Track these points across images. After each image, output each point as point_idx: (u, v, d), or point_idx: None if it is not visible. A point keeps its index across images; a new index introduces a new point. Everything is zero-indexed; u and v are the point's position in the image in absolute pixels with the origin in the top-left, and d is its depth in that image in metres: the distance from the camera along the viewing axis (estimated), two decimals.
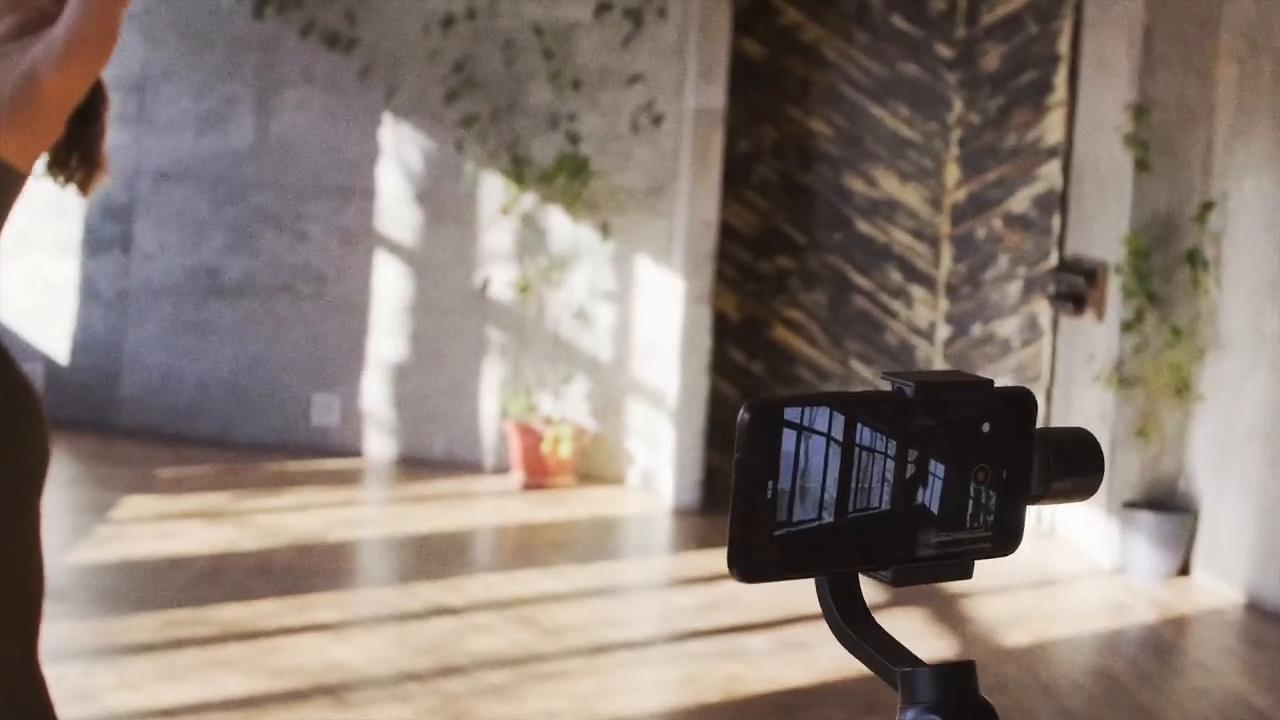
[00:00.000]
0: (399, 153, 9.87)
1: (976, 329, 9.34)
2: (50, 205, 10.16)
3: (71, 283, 10.32)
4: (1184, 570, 8.30)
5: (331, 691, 6.19)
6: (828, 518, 1.04)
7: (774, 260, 9.53)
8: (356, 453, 9.92)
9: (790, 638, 7.12)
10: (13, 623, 3.77)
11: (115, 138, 10.05)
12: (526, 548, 8.47)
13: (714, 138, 9.14)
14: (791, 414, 1.04)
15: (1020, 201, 9.25)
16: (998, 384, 1.06)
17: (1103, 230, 8.64)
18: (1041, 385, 9.24)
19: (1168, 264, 8.34)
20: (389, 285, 9.91)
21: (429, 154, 9.82)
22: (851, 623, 1.13)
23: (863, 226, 9.43)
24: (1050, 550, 8.89)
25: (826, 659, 6.84)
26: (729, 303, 9.44)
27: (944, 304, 9.38)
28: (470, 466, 9.77)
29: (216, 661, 6.35)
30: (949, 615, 7.59)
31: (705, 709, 6.24)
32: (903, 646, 1.14)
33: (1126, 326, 8.31)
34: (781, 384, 9.54)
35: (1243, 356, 8.04)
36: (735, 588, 7.84)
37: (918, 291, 9.40)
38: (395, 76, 9.80)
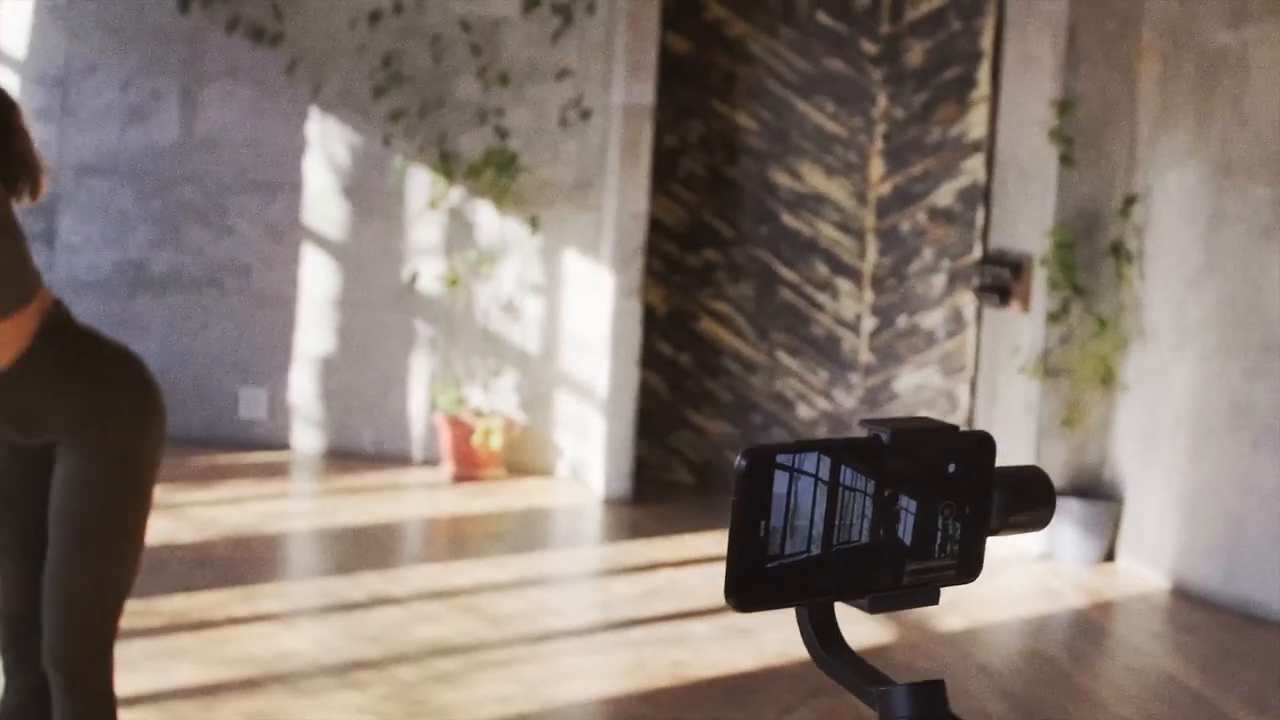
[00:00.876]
0: (326, 147, 9.89)
1: (902, 321, 9.47)
2: None
3: None
4: (1109, 556, 8.47)
5: (285, 680, 6.23)
6: (815, 550, 1.13)
7: (701, 253, 9.64)
8: (284, 446, 9.93)
9: (732, 624, 7.21)
10: (126, 594, 4.06)
11: (38, 132, 10.01)
12: (462, 538, 8.53)
13: (643, 132, 9.23)
14: (783, 459, 1.12)
15: (944, 195, 9.39)
16: (961, 429, 1.17)
17: (1027, 223, 8.80)
18: (966, 376, 9.40)
19: (1092, 256, 8.50)
20: (316, 279, 9.93)
21: (356, 148, 9.85)
22: (830, 649, 1.19)
23: (789, 220, 9.55)
24: None
25: (770, 644, 6.95)
26: (656, 295, 9.54)
27: (869, 296, 9.51)
28: (399, 459, 9.81)
29: (167, 652, 6.37)
30: None
31: (654, 693, 6.33)
32: (876, 670, 1.21)
33: (1052, 318, 8.46)
34: (708, 375, 9.65)
35: (1167, 347, 8.22)
36: (672, 575, 7.94)
37: (844, 284, 9.52)
38: (322, 71, 9.82)
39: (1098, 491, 8.55)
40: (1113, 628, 7.68)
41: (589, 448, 9.55)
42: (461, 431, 9.46)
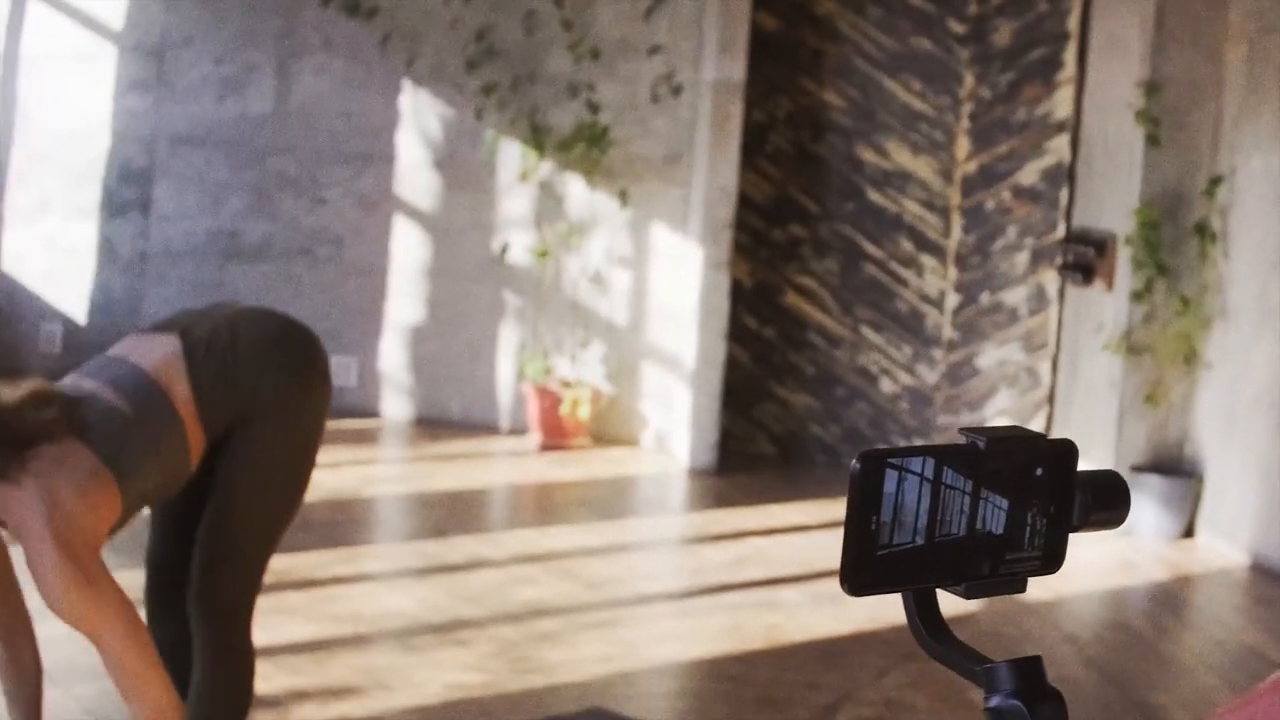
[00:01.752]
0: (418, 120, 10.07)
1: (985, 298, 9.60)
2: (69, 169, 10.34)
3: (90, 245, 10.48)
4: (1189, 532, 8.59)
5: (392, 636, 6.42)
6: (920, 541, 1.28)
7: (787, 229, 9.78)
8: (374, 413, 10.13)
9: (821, 591, 7.38)
10: (276, 544, 4.22)
11: (135, 103, 10.26)
12: (553, 504, 8.71)
13: (733, 108, 9.37)
14: (893, 461, 1.27)
15: (1029, 174, 9.51)
16: (1048, 437, 1.33)
17: (1112, 203, 8.92)
18: (1048, 353, 9.52)
19: (1176, 236, 8.61)
20: (407, 250, 10.12)
21: (448, 121, 10.02)
22: (934, 633, 1.34)
23: (874, 196, 9.69)
24: None
25: (860, 610, 7.11)
26: (742, 269, 9.69)
27: (953, 273, 9.64)
28: (486, 428, 9.99)
29: (279, 609, 6.55)
30: None
31: (749, 655, 6.49)
32: (976, 650, 1.35)
33: (1136, 296, 8.58)
34: (793, 349, 9.80)
35: (1249, 326, 8.33)
36: (760, 543, 8.10)
37: (928, 260, 9.66)
38: (415, 45, 10.00)
39: (1178, 468, 8.67)
40: (1193, 600, 7.81)
41: (674, 419, 9.72)
42: (549, 401, 9.63)
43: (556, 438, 9.64)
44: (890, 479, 1.26)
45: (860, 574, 1.26)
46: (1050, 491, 1.34)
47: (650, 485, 9.24)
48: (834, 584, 7.37)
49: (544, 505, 8.74)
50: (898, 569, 1.28)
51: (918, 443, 9.42)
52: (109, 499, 3.86)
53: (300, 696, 5.72)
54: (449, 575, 7.27)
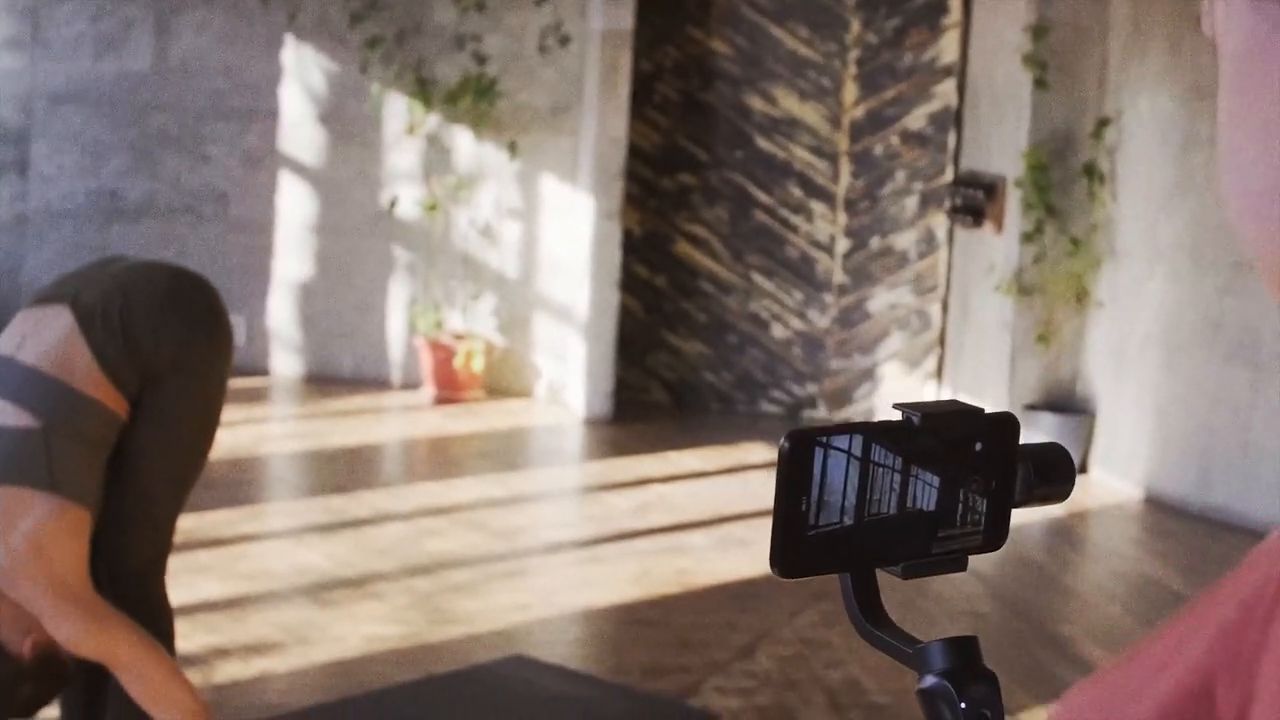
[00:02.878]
0: (302, 75, 9.98)
1: (875, 242, 9.67)
2: None
3: None
4: (1082, 469, 8.71)
5: (307, 592, 6.39)
6: (848, 521, 1.22)
7: (676, 177, 9.80)
8: (263, 371, 10.05)
9: (727, 535, 7.42)
10: (186, 498, 4.15)
11: (9, 62, 10.08)
12: (453, 457, 8.69)
13: (622, 58, 9.36)
14: (820, 439, 1.23)
15: (916, 119, 9.58)
16: (986, 411, 1.29)
17: (1000, 146, 9.00)
18: (938, 296, 9.61)
19: (1065, 178, 8.71)
20: (293, 206, 10.03)
21: (332, 75, 9.94)
22: (870, 617, 1.29)
23: (763, 144, 9.72)
24: None
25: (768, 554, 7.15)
26: (632, 219, 9.69)
27: (843, 218, 9.70)
28: (378, 383, 9.95)
29: (190, 568, 6.49)
30: None
31: (663, 600, 6.52)
32: (912, 635, 1.30)
33: (1026, 237, 8.67)
34: (684, 297, 9.82)
35: (1139, 265, 8.45)
36: (663, 490, 8.13)
37: (817, 206, 9.71)
38: None
39: (1070, 406, 8.79)
40: (1092, 535, 7.93)
41: (568, 369, 9.72)
42: (443, 354, 9.60)
43: (450, 391, 9.62)
44: (818, 458, 1.21)
45: (789, 556, 1.21)
46: (990, 466, 1.28)
47: (547, 435, 9.24)
48: (739, 529, 7.43)
49: (443, 458, 8.71)
50: (829, 550, 1.23)
51: (810, 390, 9.50)
52: (75, 522, 3.83)
53: (221, 654, 5.69)
54: (356, 530, 7.24)
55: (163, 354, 4.04)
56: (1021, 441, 1.30)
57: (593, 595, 6.56)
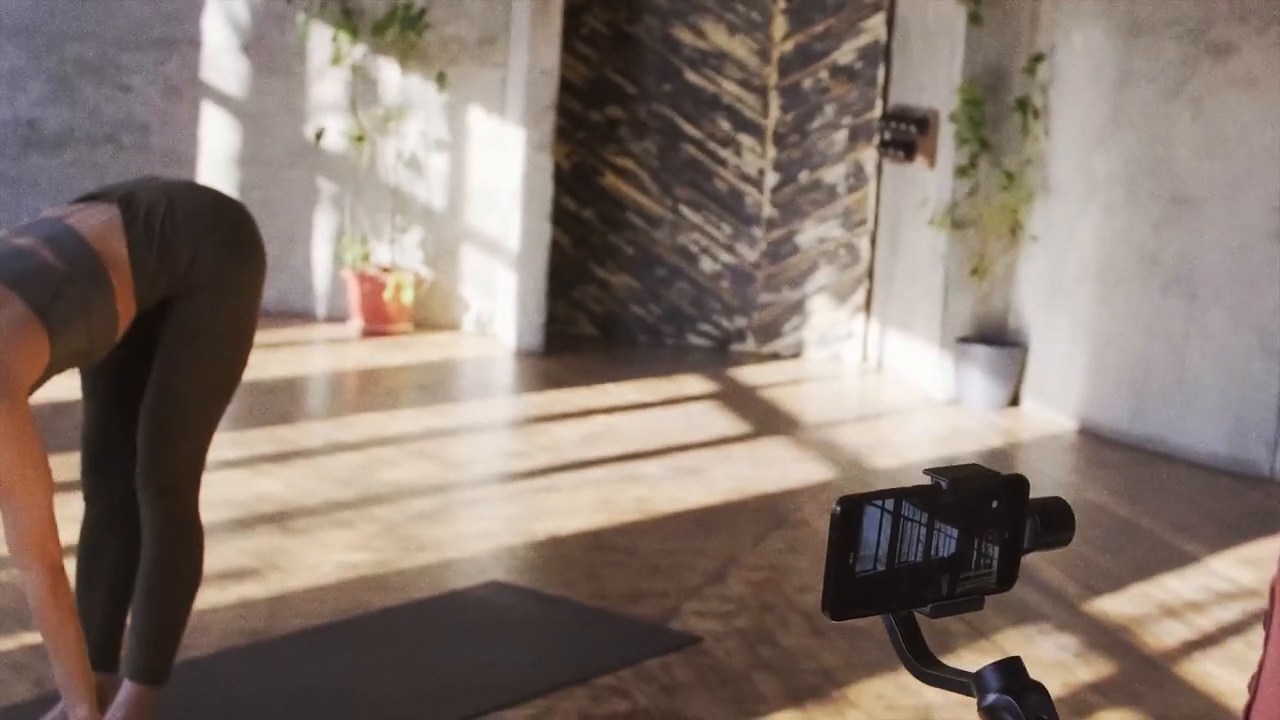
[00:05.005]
0: (224, 3, 9.85)
1: (804, 176, 9.71)
2: None
3: None
4: (1014, 401, 8.83)
5: (273, 520, 6.35)
6: (881, 567, 1.43)
7: (604, 110, 9.79)
8: None
9: (679, 464, 7.46)
10: (220, 415, 4.12)
11: None
12: (392, 389, 8.65)
13: None
14: (866, 502, 1.43)
15: (846, 54, 9.62)
16: (1003, 474, 1.51)
17: (932, 81, 9.07)
18: (866, 230, 9.67)
19: (998, 113, 8.79)
20: (216, 137, 9.91)
21: (256, 5, 9.82)
22: (920, 658, 1.50)
23: (691, 77, 9.73)
24: (880, 385, 9.37)
25: (724, 481, 7.21)
26: (560, 152, 9.67)
27: (772, 152, 9.73)
28: (303, 316, 9.88)
29: None
30: (819, 443, 8.00)
31: (626, 527, 6.55)
32: (959, 668, 1.51)
33: (960, 172, 8.75)
34: (612, 230, 9.82)
35: (1073, 200, 8.55)
36: (607, 421, 8.15)
37: (746, 140, 9.74)
38: None
39: (1003, 338, 8.89)
40: (1031, 464, 8.04)
41: (496, 302, 9.70)
42: (371, 287, 9.55)
43: (379, 323, 9.57)
44: (866, 519, 1.40)
45: (839, 601, 1.41)
46: (1004, 520, 1.49)
47: (481, 367, 9.23)
48: (689, 458, 7.49)
49: (381, 390, 8.67)
50: (869, 593, 1.42)
51: (739, 323, 9.54)
52: (38, 349, 3.78)
53: None
54: (310, 459, 7.21)
55: (198, 268, 4.02)
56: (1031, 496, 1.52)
57: (556, 523, 6.57)
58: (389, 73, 9.69)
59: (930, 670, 1.50)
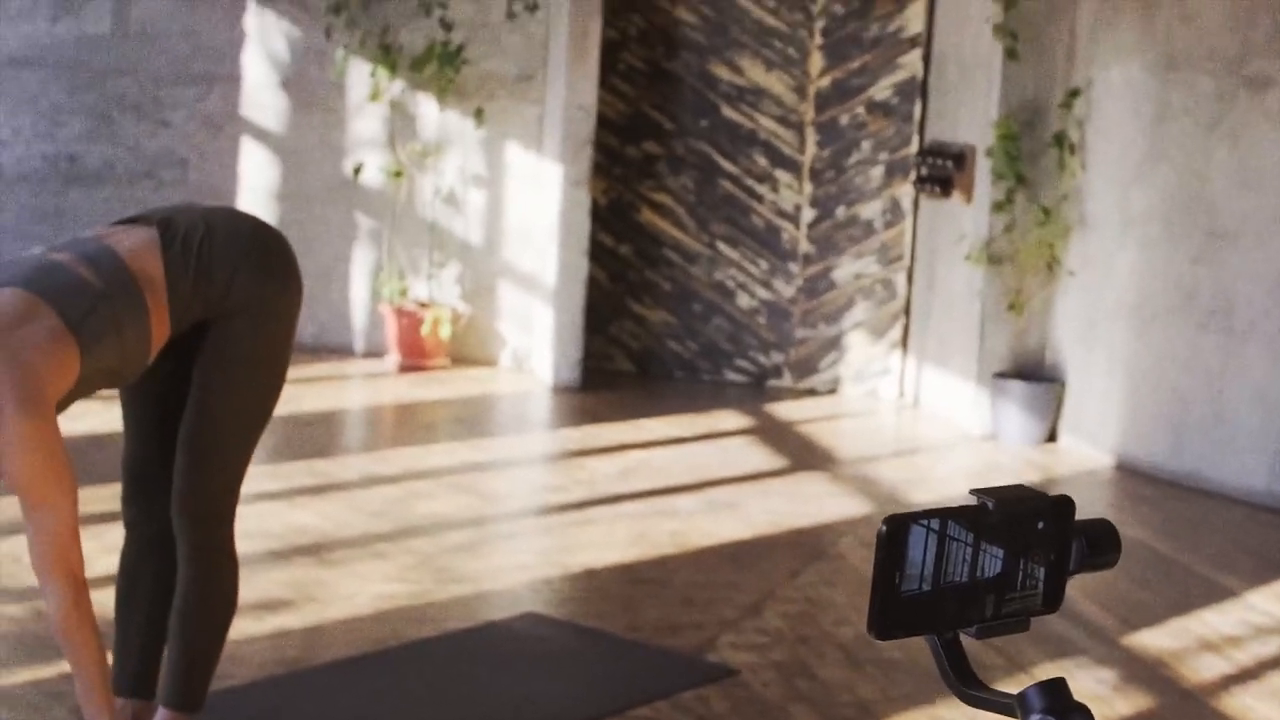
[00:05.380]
0: (264, 40, 9.91)
1: (841, 212, 9.72)
2: None
3: None
4: (1051, 437, 8.81)
5: (309, 551, 6.37)
6: (926, 587, 1.42)
7: (641, 146, 9.81)
8: None
9: (714, 498, 7.45)
10: (256, 442, 4.20)
11: None
12: (428, 423, 8.67)
13: (592, 24, 9.36)
14: (912, 521, 1.43)
15: (882, 89, 9.64)
16: (1048, 495, 1.50)
17: (969, 116, 9.07)
18: (903, 265, 9.67)
19: (1035, 148, 8.79)
20: (255, 172, 9.97)
21: (295, 41, 9.88)
22: (964, 680, 1.49)
23: (728, 113, 9.75)
24: (916, 421, 9.36)
25: (760, 515, 7.20)
26: (597, 187, 9.69)
27: (809, 188, 9.74)
28: (341, 351, 9.91)
29: None
30: (855, 478, 7.99)
31: (661, 560, 6.55)
32: (1000, 689, 1.51)
33: (997, 207, 8.75)
34: (649, 266, 9.84)
35: (1109, 235, 8.54)
36: (642, 455, 8.16)
37: (783, 176, 9.75)
38: None
39: (1040, 374, 8.87)
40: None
41: (534, 337, 9.72)
42: (409, 322, 9.57)
43: (416, 358, 9.59)
44: (912, 538, 1.40)
45: (884, 620, 1.41)
46: (1050, 541, 1.49)
47: (518, 403, 9.24)
48: (724, 492, 7.48)
49: (418, 424, 8.69)
50: (915, 614, 1.42)
51: (776, 359, 9.54)
52: (68, 362, 3.79)
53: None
54: (346, 492, 7.23)
55: (235, 292, 4.04)
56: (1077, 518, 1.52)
57: (592, 555, 6.57)
58: (427, 108, 9.74)
59: (974, 692, 1.50)
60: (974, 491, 1.48)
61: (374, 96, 9.64)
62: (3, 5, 10.01)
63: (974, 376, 8.90)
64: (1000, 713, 1.49)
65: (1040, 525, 1.49)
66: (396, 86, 9.69)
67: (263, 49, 9.90)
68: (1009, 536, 1.47)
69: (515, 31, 9.69)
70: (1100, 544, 1.55)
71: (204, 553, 4.25)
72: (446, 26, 9.57)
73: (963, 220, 9.05)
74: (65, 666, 4.96)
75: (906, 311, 9.69)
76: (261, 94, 9.92)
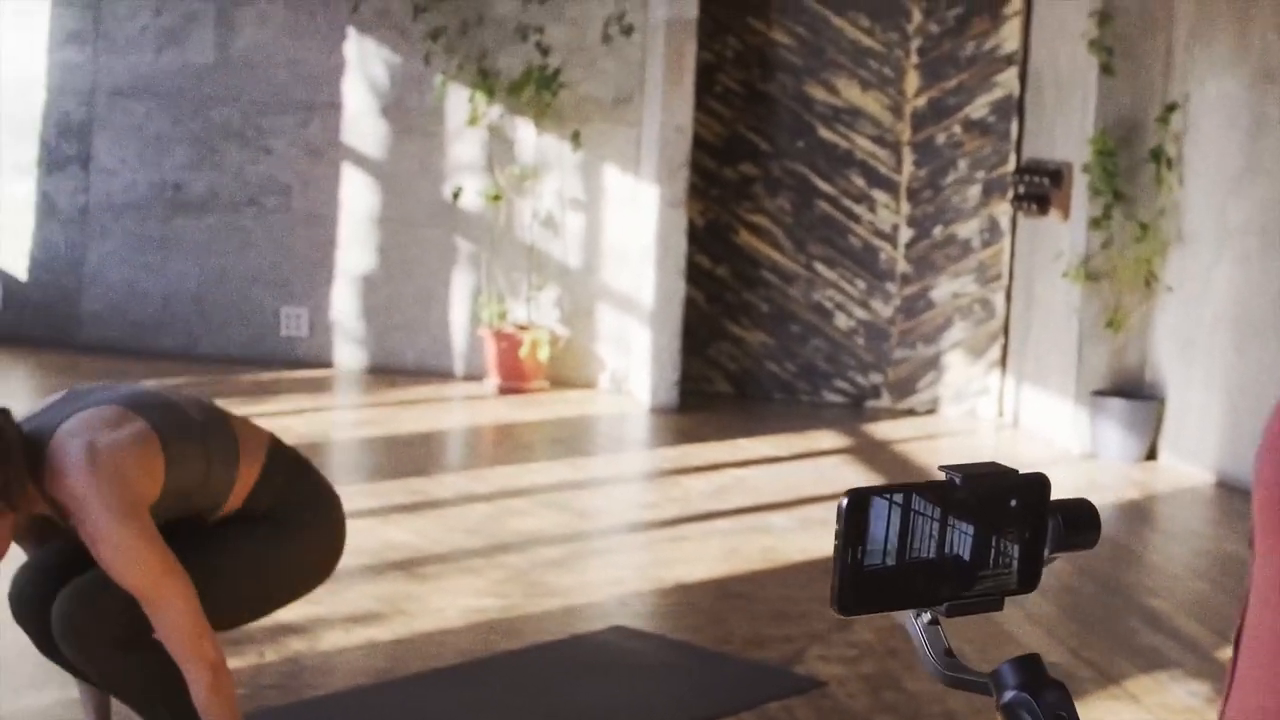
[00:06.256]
0: (364, 67, 10.02)
1: (938, 231, 9.70)
2: (5, 124, 10.22)
3: (29, 201, 10.36)
4: (1151, 454, 8.73)
5: (401, 567, 6.41)
6: (890, 562, 1.39)
7: (738, 167, 9.83)
8: (326, 363, 10.09)
9: (807, 516, 7.44)
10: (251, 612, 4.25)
11: (72, 55, 10.13)
12: (526, 443, 8.71)
13: (686, 46, 9.39)
14: (874, 495, 1.40)
15: (979, 108, 9.61)
16: (1020, 471, 1.46)
17: (1065, 133, 9.03)
18: (1001, 284, 9.63)
19: (1131, 163, 8.74)
20: (356, 198, 10.07)
21: (395, 67, 9.98)
22: (941, 661, 1.47)
23: (825, 134, 9.75)
24: (1016, 440, 9.31)
25: None
26: (694, 209, 9.72)
27: (906, 208, 9.73)
28: (441, 374, 9.98)
29: None
30: None
31: (753, 575, 6.55)
32: (980, 671, 1.48)
33: (1094, 223, 8.70)
34: (747, 287, 9.85)
35: (1207, 249, 8.47)
36: (738, 474, 8.16)
37: (880, 196, 9.74)
38: None
39: (1139, 391, 8.81)
40: (1169, 516, 7.95)
41: (632, 359, 9.75)
42: (508, 344, 9.63)
43: (515, 381, 9.65)
44: (874, 511, 1.37)
45: (847, 598, 1.38)
46: (1024, 519, 1.44)
47: (615, 423, 9.27)
48: (820, 509, 7.46)
49: (515, 444, 8.74)
50: (880, 590, 1.39)
51: (874, 380, 9.52)
52: (154, 468, 3.83)
53: (323, 623, 5.72)
54: (440, 509, 7.28)
55: (294, 519, 4.16)
56: (1053, 498, 1.48)
57: (683, 571, 6.58)
58: (525, 132, 9.81)
59: (950, 672, 1.47)
60: (942, 468, 1.44)
61: (472, 121, 9.72)
62: (110, 37, 10.18)
63: (1073, 395, 8.85)
64: (978, 691, 1.46)
65: (1013, 503, 1.45)
66: (494, 111, 9.77)
67: (363, 76, 10.01)
68: (979, 513, 1.43)
69: (611, 55, 9.74)
70: (1077, 522, 1.51)
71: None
72: (543, 51, 9.64)
73: (1060, 237, 9.01)
74: None
75: (1005, 331, 9.65)
76: (362, 120, 10.03)
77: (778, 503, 7.65)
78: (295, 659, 5.38)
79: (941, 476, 1.43)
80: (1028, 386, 9.40)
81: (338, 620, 5.77)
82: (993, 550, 1.44)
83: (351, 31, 10.00)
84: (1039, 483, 1.47)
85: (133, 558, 3.72)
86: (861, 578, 1.39)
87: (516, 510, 7.29)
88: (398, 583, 6.24)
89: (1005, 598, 1.47)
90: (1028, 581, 1.47)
